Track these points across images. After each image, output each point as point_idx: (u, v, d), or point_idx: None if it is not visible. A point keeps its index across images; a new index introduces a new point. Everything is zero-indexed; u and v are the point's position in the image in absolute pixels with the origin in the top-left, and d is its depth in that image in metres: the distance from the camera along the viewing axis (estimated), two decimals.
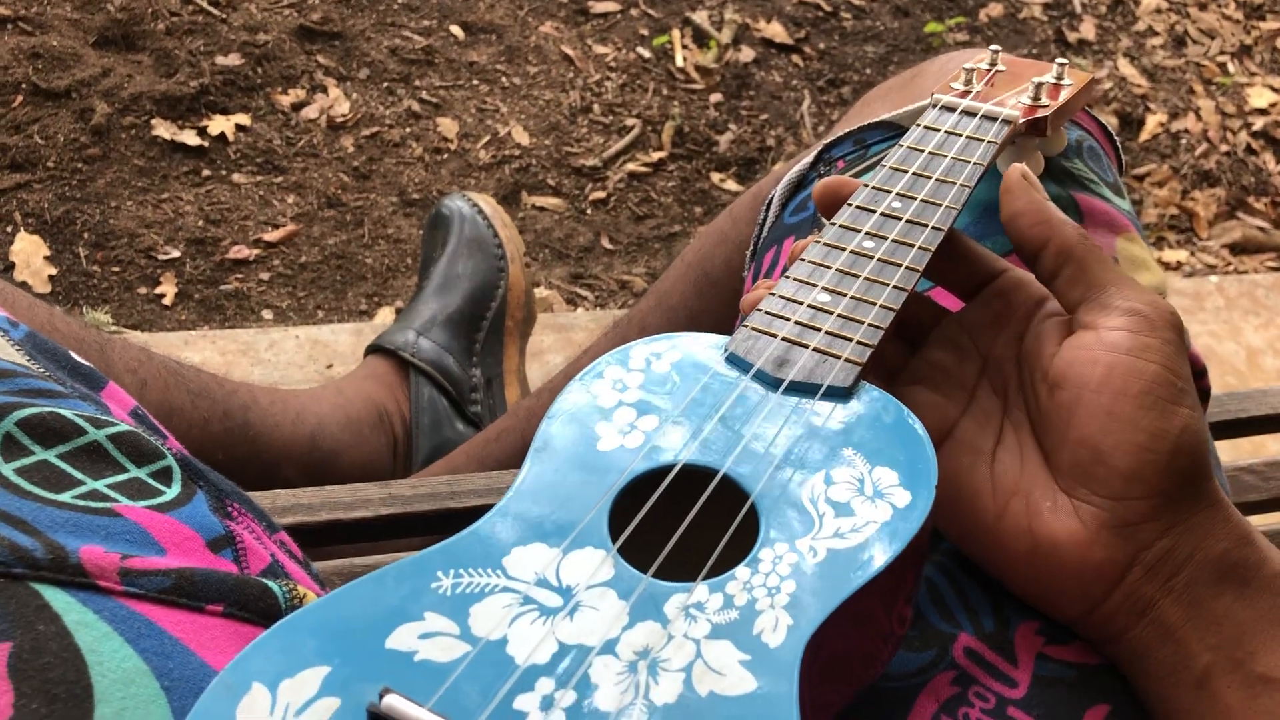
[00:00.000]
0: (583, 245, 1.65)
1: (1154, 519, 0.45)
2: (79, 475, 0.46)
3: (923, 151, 0.56)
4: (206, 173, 1.58)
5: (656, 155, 1.77)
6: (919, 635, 0.49)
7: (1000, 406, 0.50)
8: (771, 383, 0.45)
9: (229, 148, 1.61)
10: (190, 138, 1.60)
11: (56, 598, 0.40)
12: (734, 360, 0.46)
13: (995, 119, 0.58)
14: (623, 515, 0.41)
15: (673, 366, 0.46)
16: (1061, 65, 0.62)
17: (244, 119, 1.64)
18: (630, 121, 1.80)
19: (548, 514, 0.41)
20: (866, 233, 0.51)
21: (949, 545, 0.52)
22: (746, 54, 1.93)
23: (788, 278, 0.49)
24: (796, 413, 0.44)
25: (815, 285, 0.48)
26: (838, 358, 0.45)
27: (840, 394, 0.45)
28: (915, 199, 0.53)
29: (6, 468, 0.44)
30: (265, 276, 1.50)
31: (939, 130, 0.58)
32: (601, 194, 1.71)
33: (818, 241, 0.51)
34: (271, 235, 1.53)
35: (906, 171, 0.54)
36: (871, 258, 0.50)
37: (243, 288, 1.49)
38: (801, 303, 0.48)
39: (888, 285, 0.48)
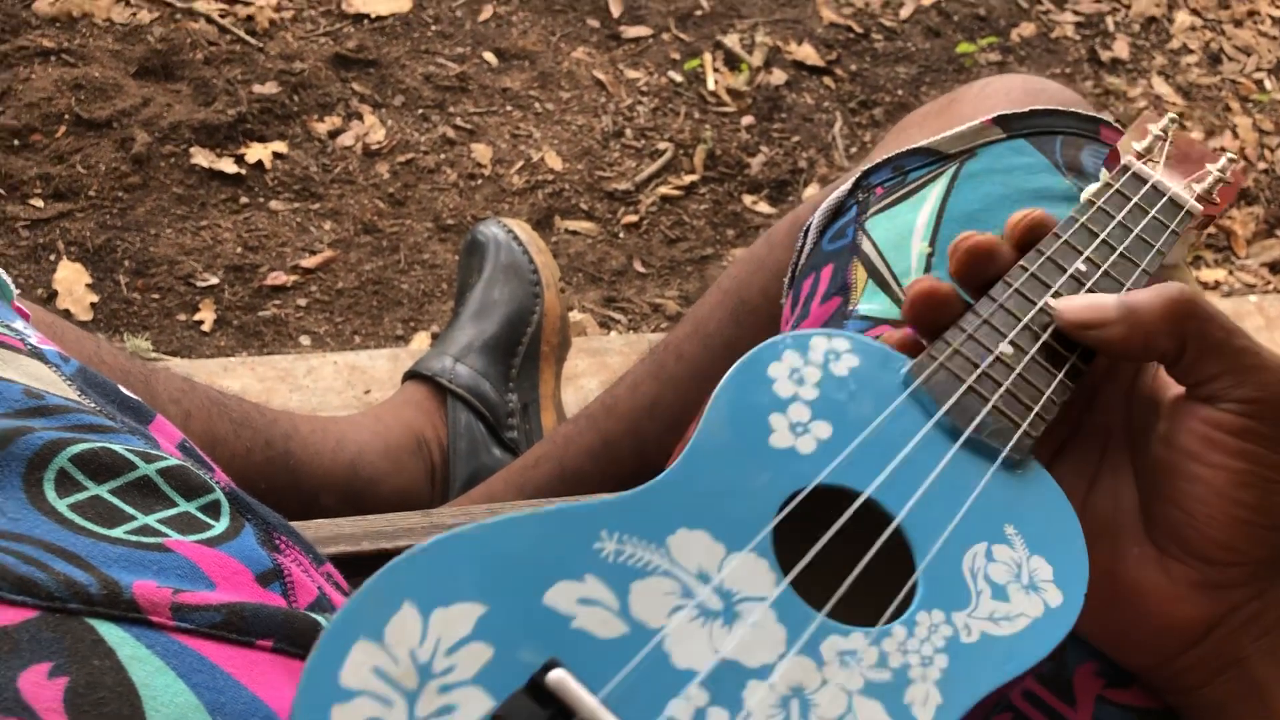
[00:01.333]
0: (615, 269, 1.66)
1: (1247, 584, 0.43)
2: (130, 510, 0.46)
3: (1113, 218, 0.53)
4: (244, 200, 1.60)
5: (689, 178, 1.78)
6: None
7: (1100, 446, 0.48)
8: (950, 431, 0.43)
9: (266, 175, 1.63)
10: (228, 165, 1.62)
11: (111, 633, 0.41)
12: (917, 394, 0.44)
13: (1180, 207, 0.56)
14: (790, 528, 0.40)
15: (851, 373, 0.44)
16: (1231, 162, 0.60)
17: (281, 147, 1.66)
18: (662, 145, 1.81)
19: (714, 498, 0.39)
20: (1054, 294, 0.48)
21: None
22: (778, 76, 1.93)
23: (975, 315, 0.47)
24: (971, 473, 0.42)
25: (1001, 333, 0.46)
26: (1017, 425, 0.44)
27: (1011, 464, 0.43)
28: (1099, 268, 0.50)
29: (61, 503, 0.45)
30: (303, 302, 1.52)
31: (1130, 199, 0.55)
32: (634, 217, 1.72)
33: (1008, 283, 0.48)
34: (309, 262, 1.55)
35: (1098, 236, 0.52)
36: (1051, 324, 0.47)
37: (281, 314, 1.50)
38: (988, 348, 0.46)
39: (1069, 358, 0.46)
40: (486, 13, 1.92)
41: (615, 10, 1.98)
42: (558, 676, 0.33)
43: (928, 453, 0.42)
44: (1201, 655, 0.44)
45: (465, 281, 1.22)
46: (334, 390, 1.25)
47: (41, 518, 0.44)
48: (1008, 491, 0.42)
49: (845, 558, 0.39)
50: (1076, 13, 2.17)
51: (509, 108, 1.80)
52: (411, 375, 1.10)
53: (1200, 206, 0.57)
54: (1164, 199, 0.56)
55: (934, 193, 0.69)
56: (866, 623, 0.38)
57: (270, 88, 1.71)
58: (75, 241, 1.51)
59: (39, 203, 1.54)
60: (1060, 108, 0.72)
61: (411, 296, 1.56)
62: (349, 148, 1.68)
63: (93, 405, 0.52)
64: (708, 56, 1.94)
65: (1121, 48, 2.14)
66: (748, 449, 0.41)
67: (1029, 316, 0.47)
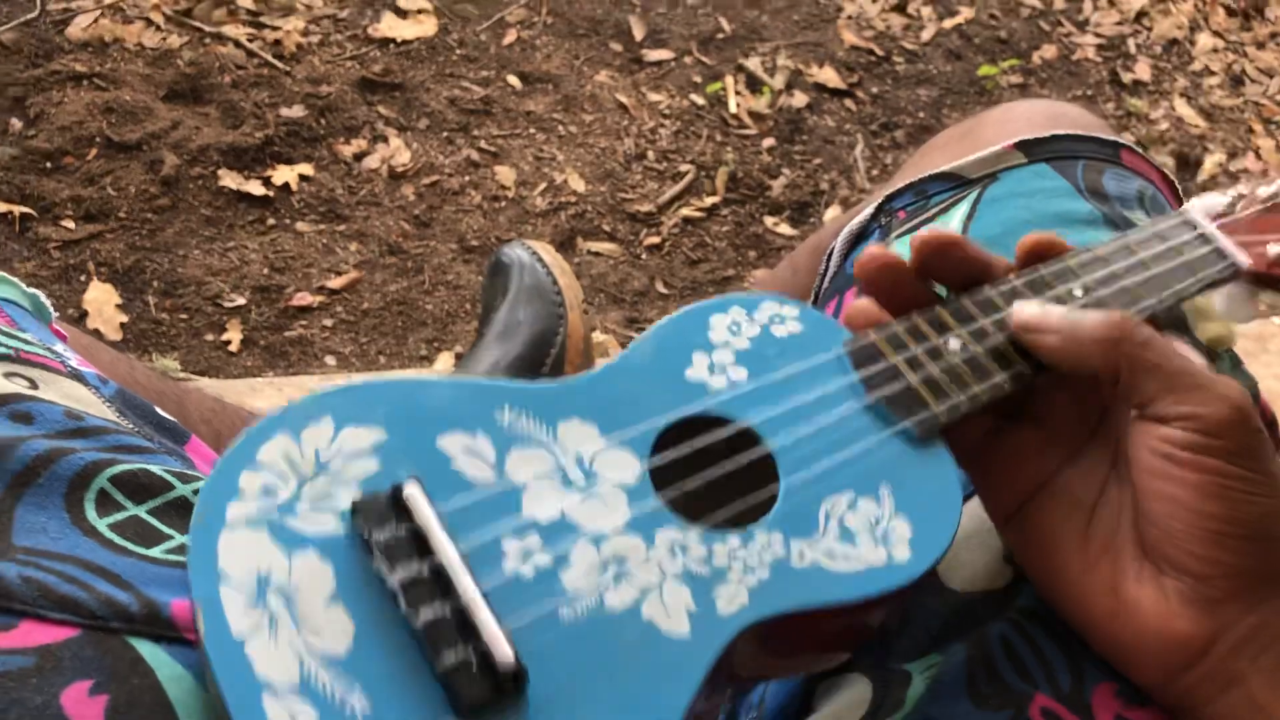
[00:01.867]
0: (638, 290, 1.67)
1: (1238, 597, 0.44)
2: (168, 530, 0.47)
3: (1135, 255, 0.54)
4: (271, 221, 1.62)
5: (710, 200, 1.79)
6: (995, 694, 0.49)
7: (1110, 460, 0.49)
8: (861, 395, 0.47)
9: (293, 197, 1.65)
10: (255, 187, 1.63)
11: (150, 652, 0.42)
12: (842, 361, 0.48)
13: (1225, 259, 0.56)
14: (673, 441, 0.44)
15: (790, 337, 0.48)
16: None
17: (307, 169, 1.67)
18: (684, 167, 1.82)
19: (613, 405, 0.44)
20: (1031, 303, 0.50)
21: (1025, 603, 0.51)
22: (799, 99, 1.94)
23: (938, 308, 0.49)
24: (867, 430, 0.46)
25: (951, 329, 0.49)
26: (927, 406, 0.47)
27: (911, 436, 0.46)
28: (1091, 294, 0.51)
29: (101, 523, 0.46)
30: (328, 323, 1.53)
31: (1167, 242, 0.55)
32: (656, 239, 1.73)
33: (980, 292, 0.50)
34: (334, 282, 1.56)
35: (1108, 265, 0.53)
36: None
37: (306, 334, 1.51)
38: (930, 337, 0.48)
39: (1018, 364, 0.48)
40: (511, 37, 1.94)
41: (638, 34, 1.99)
42: (410, 489, 0.39)
43: (828, 406, 0.46)
44: (1203, 674, 0.45)
45: (489, 303, 1.23)
46: None
47: (83, 537, 0.45)
48: (899, 459, 0.45)
49: (719, 481, 0.44)
50: (1098, 35, 2.17)
51: (532, 130, 1.81)
52: None
53: (1247, 261, 0.56)
54: (1208, 248, 0.56)
55: (957, 216, 0.69)
56: (701, 521, 0.42)
57: (297, 111, 1.73)
58: (105, 262, 1.53)
59: (70, 224, 1.56)
60: (1082, 132, 0.72)
61: (436, 317, 1.57)
62: (375, 170, 1.70)
63: (131, 426, 0.53)
64: (729, 79, 1.95)
65: (1143, 70, 2.14)
66: (662, 373, 0.46)
67: (991, 319, 0.49)
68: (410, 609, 0.37)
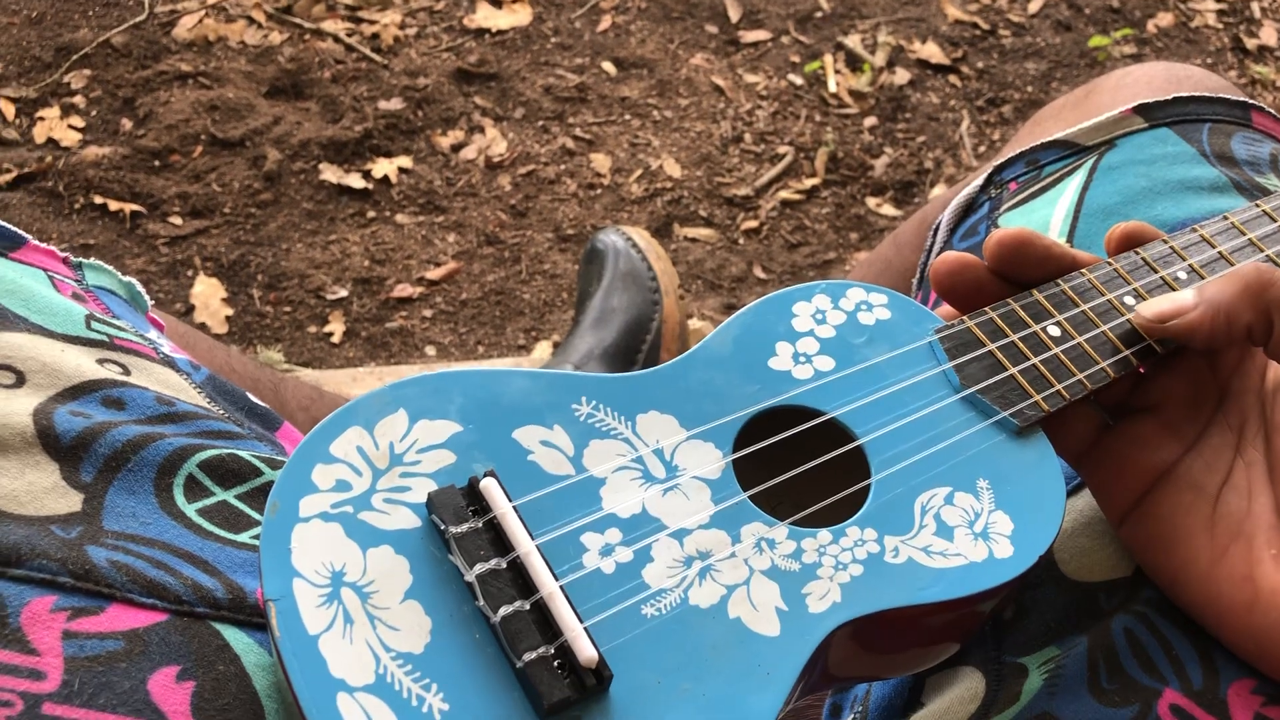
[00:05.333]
0: (735, 275, 1.64)
1: None
2: (256, 515, 0.47)
3: (1244, 235, 0.52)
4: (371, 214, 1.63)
5: (810, 182, 1.75)
6: (1118, 689, 0.46)
7: (1234, 443, 0.46)
8: (956, 387, 0.45)
9: (392, 189, 1.66)
10: (355, 181, 1.65)
11: (236, 638, 0.41)
12: (934, 350, 0.46)
13: None
14: (757, 433, 0.43)
15: (878, 323, 0.46)
16: None
17: (406, 161, 1.69)
18: (782, 149, 1.79)
19: (694, 396, 0.43)
20: (1136, 291, 0.48)
21: (1150, 594, 0.48)
22: (901, 76, 1.89)
23: (1033, 293, 0.47)
24: (963, 421, 0.44)
25: (1052, 314, 0.47)
26: (1028, 394, 0.45)
27: (1010, 427, 0.44)
28: (1201, 279, 0.49)
29: (189, 508, 0.46)
30: (428, 314, 1.54)
31: (1266, 214, 0.53)
32: (754, 223, 1.70)
33: (1079, 275, 0.48)
34: (433, 273, 1.57)
35: (1213, 249, 0.51)
36: (1124, 316, 0.47)
37: (407, 325, 1.53)
38: (1029, 324, 0.46)
39: (1123, 352, 0.46)
40: (605, 23, 1.92)
41: (734, 15, 1.96)
42: (487, 481, 0.38)
43: (920, 396, 0.44)
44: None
45: (585, 290, 1.22)
46: None
47: (171, 522, 0.45)
48: (998, 452, 0.43)
49: (807, 475, 0.42)
50: None
51: (627, 117, 1.80)
52: None
53: None
54: None
55: (1071, 186, 0.66)
56: (788, 517, 0.41)
57: (395, 103, 1.74)
58: (211, 257, 1.56)
59: (177, 220, 1.60)
60: (1207, 94, 0.68)
61: (533, 306, 1.57)
62: (471, 161, 1.71)
63: (221, 412, 0.53)
64: (828, 58, 1.91)
65: (1269, 34, 2.04)
66: (744, 363, 0.44)
67: (1090, 305, 0.47)
68: (488, 604, 0.36)
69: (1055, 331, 0.46)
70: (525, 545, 0.37)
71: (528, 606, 0.36)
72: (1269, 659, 0.43)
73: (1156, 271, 0.49)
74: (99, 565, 0.41)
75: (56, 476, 0.44)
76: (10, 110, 1.70)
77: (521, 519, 0.38)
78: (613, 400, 0.42)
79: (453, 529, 0.37)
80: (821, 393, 0.44)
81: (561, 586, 0.36)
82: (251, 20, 1.85)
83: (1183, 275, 0.49)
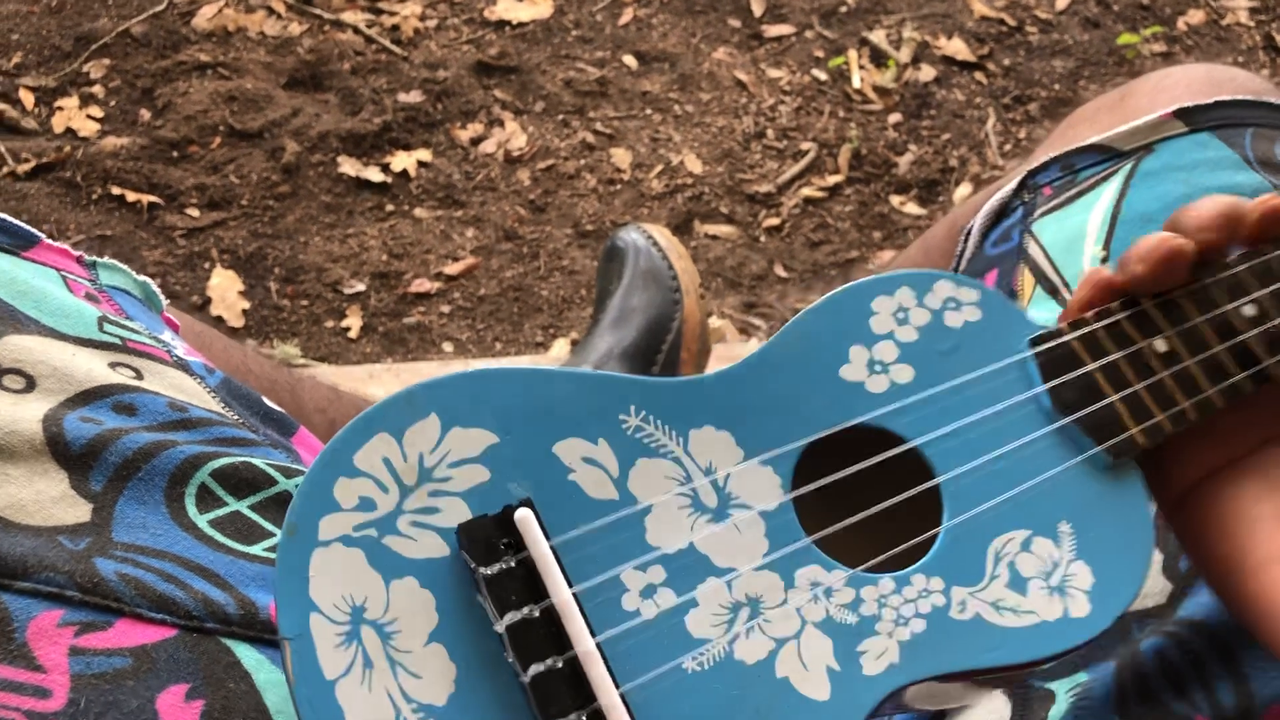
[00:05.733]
0: (756, 273, 1.63)
1: None
2: (270, 526, 0.46)
3: None
4: (390, 208, 1.62)
5: (833, 179, 1.73)
6: (1148, 714, 0.45)
7: None
8: (1048, 410, 0.40)
9: (411, 183, 1.65)
10: (374, 174, 1.64)
11: (246, 654, 0.40)
12: (1026, 366, 0.41)
13: None
14: (821, 456, 0.39)
15: (966, 325, 0.41)
16: None
17: (425, 154, 1.67)
18: (805, 145, 1.77)
19: (754, 411, 0.38)
20: (1250, 301, 0.42)
21: (1183, 615, 0.47)
22: (926, 73, 1.87)
23: (1148, 303, 0.42)
24: (1050, 454, 0.39)
25: (1160, 328, 0.41)
26: (1127, 429, 0.40)
27: (1102, 464, 0.40)
28: None
29: (201, 519, 0.44)
30: (446, 309, 1.53)
31: None
32: (775, 220, 1.68)
33: (1215, 275, 0.42)
34: (452, 268, 1.56)
35: None
36: (1238, 335, 0.41)
37: (424, 320, 1.51)
38: (1133, 338, 0.41)
39: (1234, 375, 0.41)
40: (627, 16, 1.91)
41: (757, 9, 1.94)
42: (523, 514, 0.35)
43: (1009, 425, 0.39)
44: None
45: (605, 288, 1.21)
46: None
47: (182, 533, 0.44)
48: (1085, 491, 0.39)
49: (874, 513, 0.38)
50: None
51: (648, 111, 1.78)
52: None
53: None
54: None
55: (1108, 192, 0.64)
56: (846, 560, 0.37)
57: (415, 96, 1.73)
58: (228, 249, 1.55)
59: (195, 212, 1.59)
60: (1251, 97, 0.66)
61: (551, 303, 1.55)
62: (491, 155, 1.69)
63: (235, 417, 0.51)
64: (853, 54, 1.89)
65: None
66: (812, 372, 0.39)
67: (1207, 317, 0.41)
68: (518, 659, 0.33)
69: (1162, 347, 0.41)
70: (562, 594, 0.34)
71: (560, 664, 0.33)
72: None
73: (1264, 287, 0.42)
74: (107, 578, 0.40)
75: (65, 485, 0.43)
76: (29, 99, 1.69)
77: (559, 558, 0.34)
78: (665, 411, 0.38)
79: (484, 570, 0.34)
80: (898, 414, 0.39)
81: (599, 644, 0.34)
82: (271, 11, 1.84)
83: None
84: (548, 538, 0.35)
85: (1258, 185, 0.62)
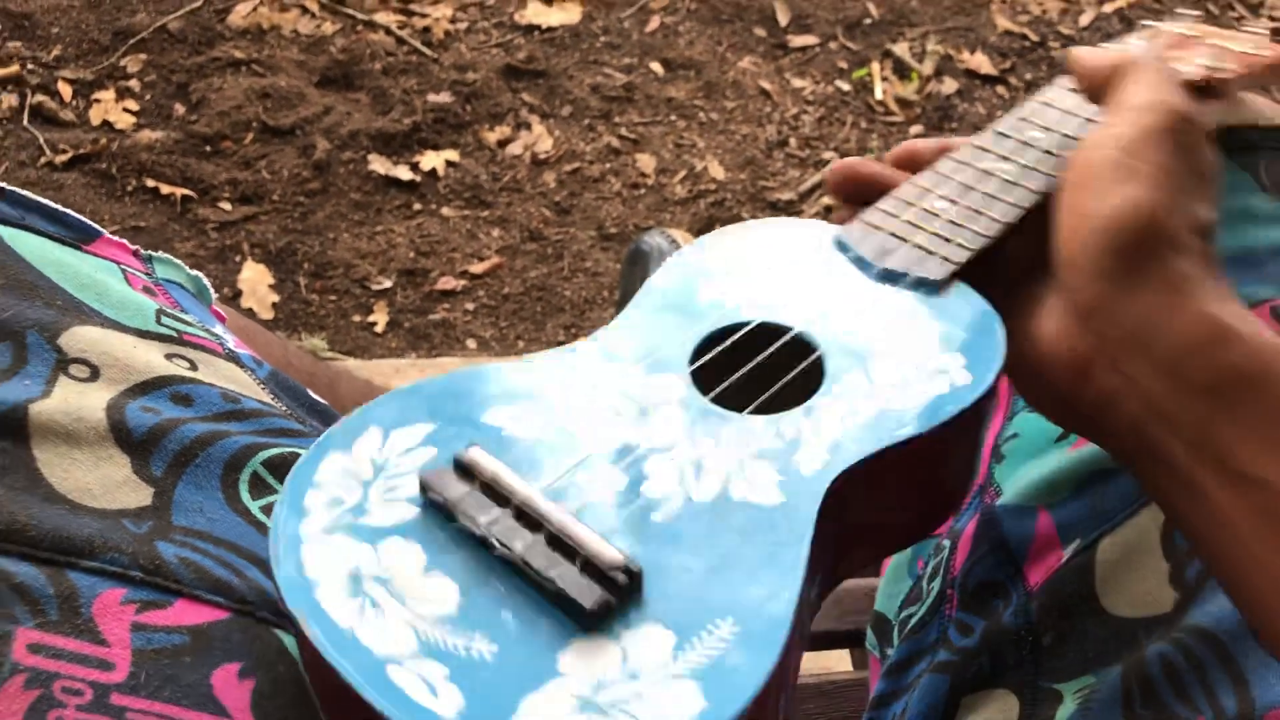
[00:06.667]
0: None
1: (1103, 307, 0.42)
2: None
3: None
4: (417, 206, 1.65)
5: None
6: (1151, 715, 0.47)
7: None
8: (869, 267, 0.48)
9: (439, 183, 1.67)
10: (403, 173, 1.67)
11: (293, 642, 0.42)
12: (840, 244, 0.49)
13: None
14: (706, 353, 0.45)
15: (781, 242, 0.49)
16: (1256, 32, 0.60)
17: (453, 155, 1.70)
18: (827, 155, 1.79)
19: (641, 345, 0.45)
20: (1001, 155, 0.51)
21: (1189, 623, 0.48)
22: (949, 85, 1.89)
23: (911, 182, 0.50)
24: (886, 295, 0.47)
25: (933, 192, 0.50)
26: (934, 254, 0.47)
27: (931, 286, 0.47)
28: (1058, 134, 0.52)
29: (254, 505, 0.47)
30: (470, 307, 1.55)
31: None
32: None
33: (949, 157, 0.51)
34: (477, 267, 1.59)
35: (1053, 108, 0.54)
36: (997, 177, 0.50)
37: (449, 317, 1.54)
38: (916, 205, 0.49)
39: (1006, 201, 0.49)
40: (654, 24, 1.93)
41: (782, 19, 1.96)
42: (473, 450, 0.39)
43: (840, 283, 0.47)
44: (1093, 397, 0.43)
45: (627, 291, 1.23)
46: None
47: (237, 519, 0.46)
48: (928, 307, 0.46)
49: (764, 375, 0.44)
50: (1274, 18, 2.05)
51: (673, 117, 1.81)
52: None
53: (1193, 72, 0.56)
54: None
55: None
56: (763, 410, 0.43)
57: (444, 97, 1.76)
58: (259, 243, 1.58)
59: (227, 206, 1.62)
60: (1264, 122, 0.68)
61: (573, 303, 1.58)
62: (518, 156, 1.72)
63: (284, 409, 0.54)
64: (876, 65, 1.91)
65: None
66: (676, 307, 0.46)
67: (966, 176, 0.50)
68: (504, 546, 0.37)
69: (941, 204, 0.49)
70: (525, 490, 0.38)
71: (544, 538, 0.37)
72: (1038, 400, 0.47)
73: (1013, 138, 0.51)
74: (168, 561, 0.43)
75: (128, 470, 0.45)
76: (68, 92, 1.73)
77: (515, 471, 0.39)
78: (569, 365, 0.44)
79: (451, 495, 0.38)
80: (752, 307, 0.46)
81: (572, 514, 0.38)
82: (305, 10, 1.87)
83: (1038, 135, 0.51)
84: (497, 459, 0.40)
85: (1273, 209, 0.64)
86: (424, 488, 0.39)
